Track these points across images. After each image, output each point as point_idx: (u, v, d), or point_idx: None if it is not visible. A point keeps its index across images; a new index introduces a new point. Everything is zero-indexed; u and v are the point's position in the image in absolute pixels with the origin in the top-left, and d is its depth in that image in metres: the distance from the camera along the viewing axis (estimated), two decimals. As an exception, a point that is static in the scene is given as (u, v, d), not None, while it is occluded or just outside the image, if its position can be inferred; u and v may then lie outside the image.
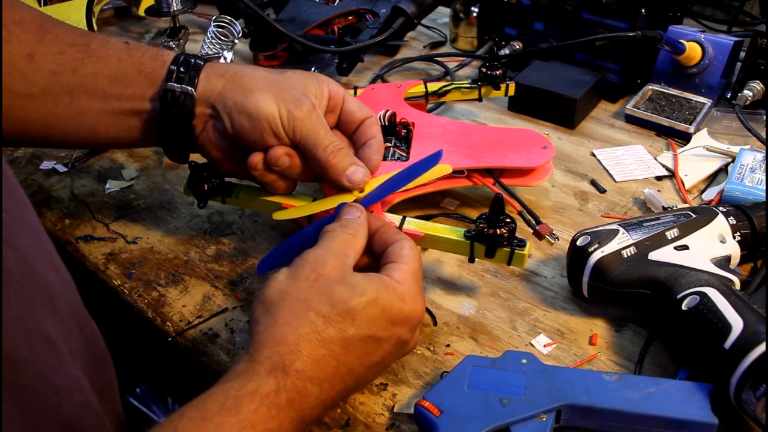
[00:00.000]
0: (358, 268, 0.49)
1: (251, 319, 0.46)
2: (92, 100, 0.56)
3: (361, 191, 0.58)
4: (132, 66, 0.56)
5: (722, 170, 0.74)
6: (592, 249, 0.55)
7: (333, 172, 0.56)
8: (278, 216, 0.59)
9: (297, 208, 0.59)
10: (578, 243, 0.56)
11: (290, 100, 0.55)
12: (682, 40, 0.80)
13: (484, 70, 0.77)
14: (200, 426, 0.39)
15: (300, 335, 0.44)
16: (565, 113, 0.83)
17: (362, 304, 0.45)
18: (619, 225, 0.57)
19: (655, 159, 0.77)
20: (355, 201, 0.57)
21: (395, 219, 0.58)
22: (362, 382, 0.49)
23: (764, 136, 0.75)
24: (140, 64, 0.57)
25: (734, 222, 0.57)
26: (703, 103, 0.82)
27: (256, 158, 0.56)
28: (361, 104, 0.62)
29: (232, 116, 0.55)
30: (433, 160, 0.59)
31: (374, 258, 0.52)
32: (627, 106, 0.84)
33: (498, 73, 0.77)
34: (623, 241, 0.55)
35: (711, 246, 0.56)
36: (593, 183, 0.74)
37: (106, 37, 0.59)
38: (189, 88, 0.55)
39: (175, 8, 0.96)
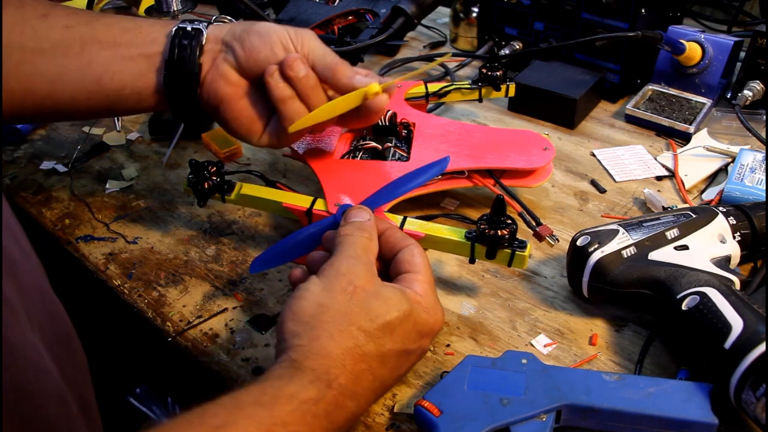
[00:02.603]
0: None
1: (284, 329, 0.45)
2: (103, 49, 0.58)
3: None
4: (145, 21, 0.61)
5: (722, 170, 0.74)
6: (592, 249, 0.55)
7: (345, 75, 0.58)
8: (294, 128, 0.58)
9: (314, 114, 0.59)
10: (578, 243, 0.56)
11: (293, 28, 0.59)
12: (682, 40, 0.80)
13: (484, 71, 0.78)
14: (231, 413, 0.39)
15: (344, 350, 0.44)
16: (565, 113, 0.83)
17: (399, 320, 0.46)
18: (619, 225, 0.57)
19: (655, 159, 0.77)
20: (360, 203, 0.57)
21: (396, 219, 0.58)
22: (386, 392, 0.50)
23: (764, 136, 0.75)
24: (153, 21, 0.61)
25: (734, 222, 0.57)
26: (703, 103, 0.82)
27: (273, 66, 0.58)
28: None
29: (242, 39, 0.58)
30: (440, 165, 0.59)
31: (381, 261, 0.52)
32: (627, 106, 0.84)
33: (498, 74, 0.77)
34: (623, 241, 0.55)
35: (711, 246, 0.56)
36: (593, 183, 0.74)
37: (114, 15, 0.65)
38: (200, 25, 0.59)
39: (175, 8, 0.96)
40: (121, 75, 0.59)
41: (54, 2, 0.60)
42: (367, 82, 0.58)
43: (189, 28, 0.58)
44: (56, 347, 0.44)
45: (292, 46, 0.58)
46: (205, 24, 0.60)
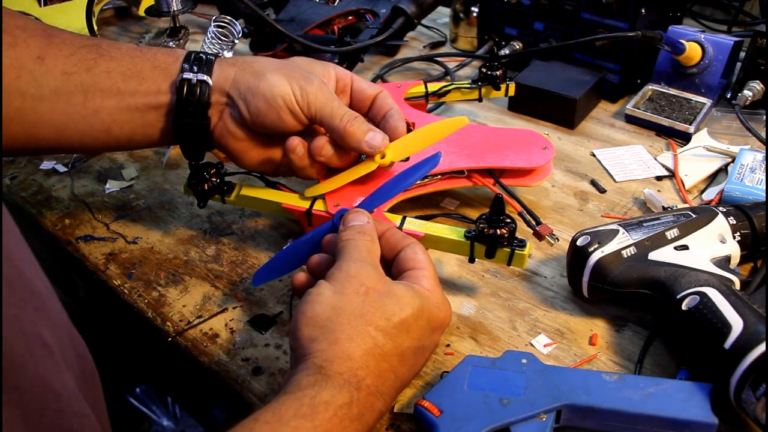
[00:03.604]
0: None
1: (300, 335, 0.45)
2: (106, 98, 0.56)
3: (383, 156, 0.59)
4: (146, 62, 0.57)
5: (722, 170, 0.74)
6: (592, 249, 0.55)
7: (352, 139, 0.58)
8: (310, 192, 0.61)
9: (328, 182, 0.61)
10: (578, 243, 0.56)
11: (300, 77, 0.57)
12: (682, 40, 0.80)
13: (484, 70, 0.78)
14: (276, 429, 0.40)
15: (365, 351, 0.44)
16: (565, 113, 0.83)
17: (413, 317, 0.47)
18: (619, 225, 0.57)
19: (655, 159, 0.77)
20: (357, 206, 0.57)
21: (395, 219, 0.58)
22: (403, 390, 0.50)
23: (764, 136, 0.75)
24: (154, 59, 0.57)
25: (734, 222, 0.57)
26: (703, 103, 0.82)
27: (294, 141, 0.58)
28: (370, 83, 0.63)
29: (247, 100, 0.56)
30: (432, 162, 0.59)
31: (383, 262, 0.52)
32: (627, 106, 0.84)
33: (498, 73, 0.77)
34: (623, 241, 0.55)
35: (711, 246, 0.56)
36: (593, 183, 0.74)
37: (115, 41, 0.60)
38: (205, 76, 0.56)
39: (175, 8, 0.96)
40: (130, 125, 0.57)
41: (47, 33, 0.56)
42: (377, 142, 0.58)
43: (194, 81, 0.56)
44: (86, 388, 0.44)
45: (298, 108, 0.57)
46: (209, 65, 0.57)
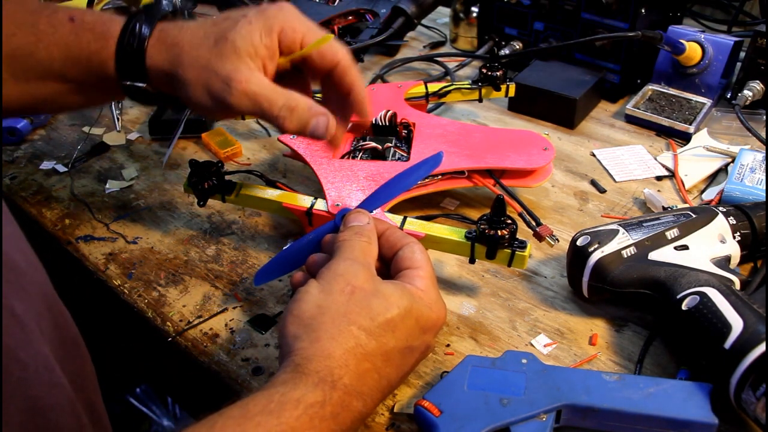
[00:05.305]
0: None
1: (286, 333, 0.45)
2: (56, 83, 0.55)
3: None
4: (81, 51, 0.54)
5: (722, 170, 0.74)
6: (592, 249, 0.55)
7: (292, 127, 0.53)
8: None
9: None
10: (578, 243, 0.56)
11: (219, 89, 0.51)
12: (682, 40, 0.80)
13: (484, 71, 0.78)
14: (240, 424, 0.39)
15: (346, 350, 0.44)
16: (565, 113, 0.83)
17: (400, 316, 0.46)
18: (619, 225, 0.57)
19: (655, 159, 0.77)
20: (358, 206, 0.57)
21: (396, 219, 0.58)
22: (393, 391, 0.50)
23: (764, 136, 0.75)
24: (88, 50, 0.54)
25: (734, 222, 0.57)
26: (703, 103, 0.82)
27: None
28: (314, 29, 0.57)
29: (180, 94, 0.53)
30: (433, 161, 0.59)
31: (382, 261, 0.52)
32: (627, 106, 0.84)
33: (498, 74, 0.77)
34: (623, 241, 0.55)
35: (711, 246, 0.56)
36: (593, 183, 0.74)
37: (54, 13, 0.56)
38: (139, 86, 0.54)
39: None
40: (84, 97, 0.58)
41: None
42: (320, 134, 0.54)
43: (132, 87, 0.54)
44: (65, 357, 0.44)
45: (228, 105, 0.52)
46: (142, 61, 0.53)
